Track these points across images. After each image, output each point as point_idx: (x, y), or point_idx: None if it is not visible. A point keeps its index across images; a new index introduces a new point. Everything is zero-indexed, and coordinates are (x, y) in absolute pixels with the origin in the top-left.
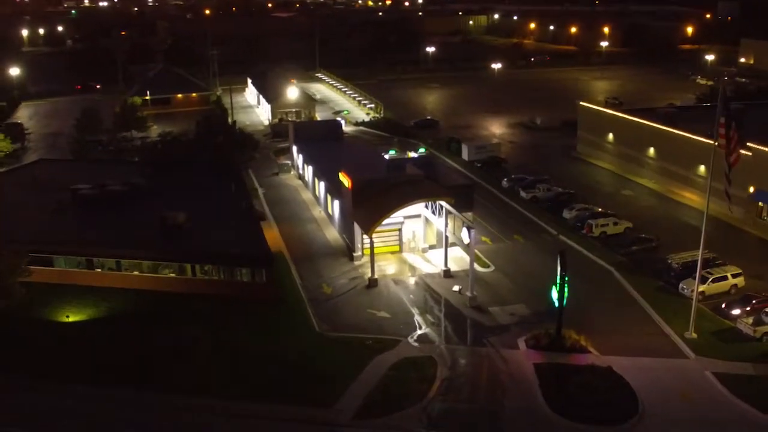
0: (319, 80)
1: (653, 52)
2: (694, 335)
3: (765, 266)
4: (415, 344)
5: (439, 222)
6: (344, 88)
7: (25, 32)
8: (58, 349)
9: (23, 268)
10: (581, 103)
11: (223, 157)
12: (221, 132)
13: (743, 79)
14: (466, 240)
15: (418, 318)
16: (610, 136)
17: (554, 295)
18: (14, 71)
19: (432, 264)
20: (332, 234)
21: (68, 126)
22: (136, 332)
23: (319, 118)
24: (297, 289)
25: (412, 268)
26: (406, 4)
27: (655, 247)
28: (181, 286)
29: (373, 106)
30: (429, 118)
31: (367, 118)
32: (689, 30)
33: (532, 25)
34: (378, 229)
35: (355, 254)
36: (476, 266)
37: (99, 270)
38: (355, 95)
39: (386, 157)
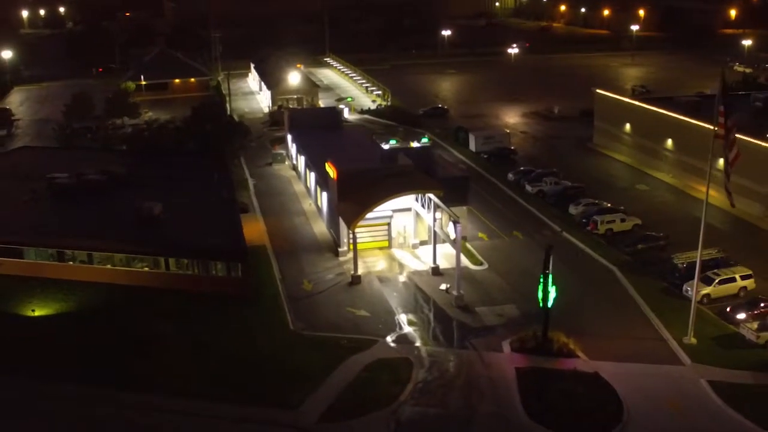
0: (328, 65)
1: (690, 36)
2: (693, 340)
3: None
4: (393, 345)
5: (429, 216)
6: (352, 74)
7: (25, 13)
8: (14, 343)
9: None
10: (597, 90)
11: (211, 145)
12: (210, 119)
13: None
14: (453, 235)
15: (399, 317)
16: (627, 126)
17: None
18: (6, 54)
19: (421, 261)
20: (320, 228)
21: (59, 112)
22: (100, 327)
23: (322, 105)
24: (275, 285)
25: (400, 265)
26: None
27: (664, 245)
28: (154, 281)
29: (380, 92)
30: (439, 106)
31: (373, 106)
32: (732, 13)
33: (563, 8)
34: (366, 223)
35: (340, 250)
36: (468, 264)
37: (70, 263)
38: (363, 81)
39: (385, 147)
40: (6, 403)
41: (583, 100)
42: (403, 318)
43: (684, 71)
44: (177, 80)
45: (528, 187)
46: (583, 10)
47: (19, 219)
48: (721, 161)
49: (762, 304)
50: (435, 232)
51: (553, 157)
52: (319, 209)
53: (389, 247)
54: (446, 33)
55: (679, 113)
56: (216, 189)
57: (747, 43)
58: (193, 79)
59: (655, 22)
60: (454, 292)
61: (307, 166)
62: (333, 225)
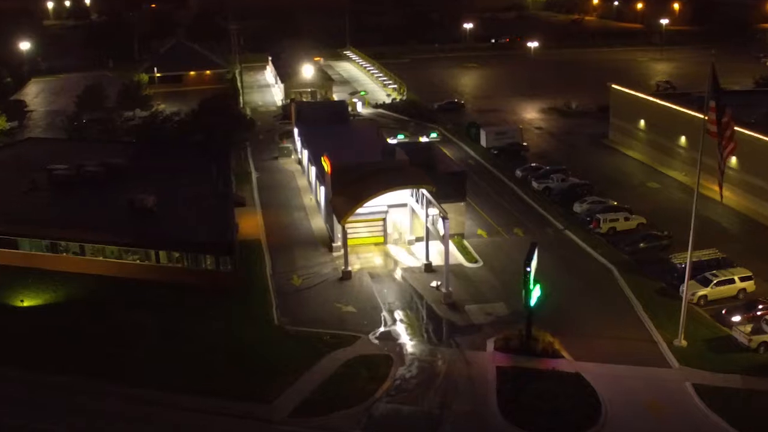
0: (348, 59)
1: (725, 30)
2: (684, 343)
3: None
4: (376, 341)
5: (423, 212)
6: (371, 67)
7: (51, 4)
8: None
9: None
10: (612, 85)
11: (215, 138)
12: (216, 112)
13: None
14: (441, 231)
15: (385, 314)
16: (641, 122)
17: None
18: (25, 46)
19: (416, 257)
20: (318, 223)
21: (73, 104)
22: (85, 319)
23: (336, 99)
24: (265, 280)
25: (393, 262)
26: None
27: (666, 245)
28: (145, 273)
29: (396, 86)
30: (455, 100)
31: (388, 100)
32: None
33: (596, 0)
34: (361, 218)
35: (334, 245)
36: (463, 261)
37: (64, 254)
38: (381, 75)
39: (393, 141)
40: None
41: (604, 96)
42: (389, 315)
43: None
44: (192, 72)
45: (534, 184)
46: (616, 2)
47: (15, 210)
48: (734, 160)
49: (759, 307)
50: (427, 229)
51: (566, 153)
52: (319, 204)
53: (385, 243)
54: (469, 26)
55: (693, 109)
56: (213, 182)
57: None
58: (208, 71)
59: (689, 15)
60: (443, 290)
61: (309, 160)
62: (329, 220)
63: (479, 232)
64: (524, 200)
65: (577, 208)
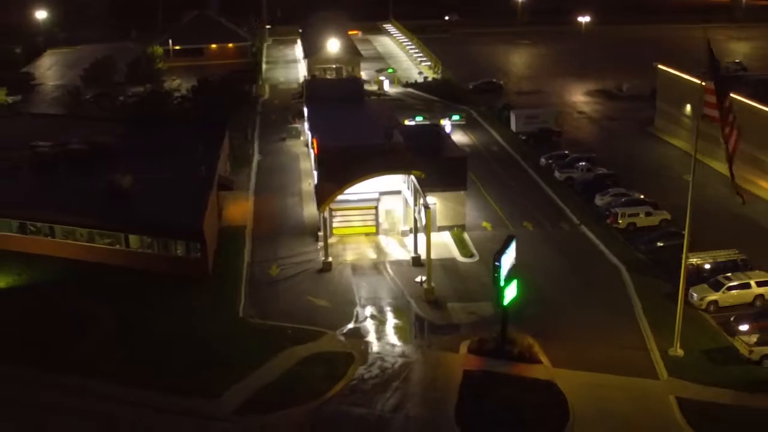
0: (388, 33)
1: None
2: (680, 352)
3: None
4: (341, 338)
5: (412, 200)
6: (408, 42)
7: None
8: None
9: None
10: (659, 66)
11: (214, 116)
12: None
13: None
14: (423, 221)
15: (358, 309)
16: (688, 108)
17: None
18: (41, 15)
19: (407, 250)
20: (311, 210)
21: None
22: (40, 305)
23: (364, 77)
24: (241, 269)
25: (381, 253)
26: None
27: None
28: (114, 258)
29: (430, 63)
30: (493, 80)
31: (420, 79)
32: None
33: None
34: (351, 206)
35: (320, 234)
36: (458, 255)
37: (34, 236)
38: (417, 51)
39: (410, 123)
40: None
41: None
42: (362, 310)
43: None
44: (214, 45)
45: (557, 173)
46: None
47: None
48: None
49: None
50: (415, 219)
51: (603, 141)
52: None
53: (377, 233)
54: None
55: (742, 95)
56: (198, 163)
57: None
58: (231, 45)
59: None
60: (425, 285)
61: (311, 141)
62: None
63: (484, 224)
64: (543, 191)
65: (599, 200)
